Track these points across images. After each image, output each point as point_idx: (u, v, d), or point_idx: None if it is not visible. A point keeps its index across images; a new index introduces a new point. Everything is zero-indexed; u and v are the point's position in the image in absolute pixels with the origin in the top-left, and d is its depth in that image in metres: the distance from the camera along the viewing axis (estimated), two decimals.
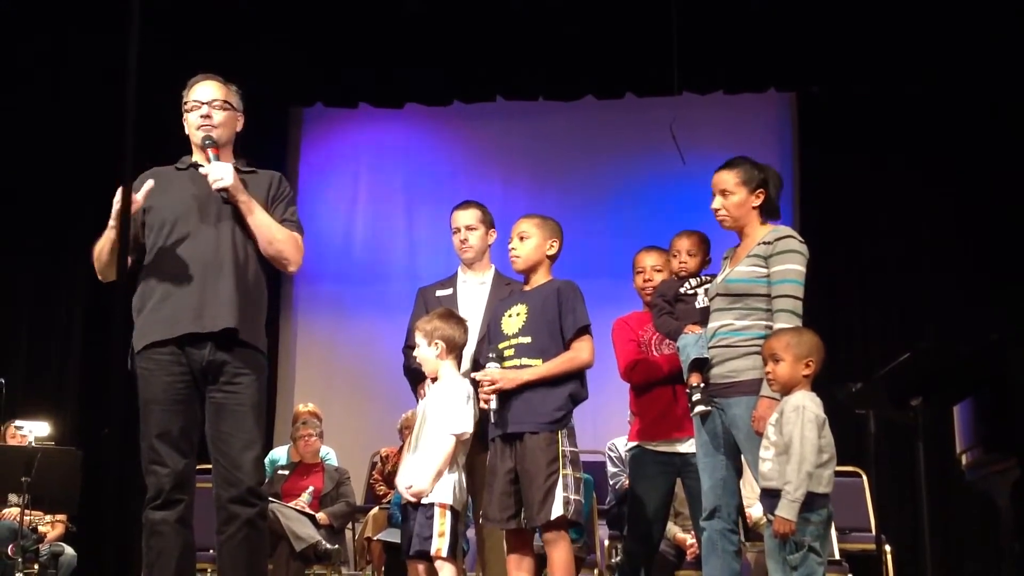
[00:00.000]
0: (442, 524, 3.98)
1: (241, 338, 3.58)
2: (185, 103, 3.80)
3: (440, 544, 3.96)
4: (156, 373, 3.56)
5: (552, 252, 4.11)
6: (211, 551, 4.87)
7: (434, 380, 4.22)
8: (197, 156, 3.81)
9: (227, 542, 3.55)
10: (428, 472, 4.03)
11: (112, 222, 3.51)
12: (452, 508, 4.01)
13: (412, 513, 4.09)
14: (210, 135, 3.70)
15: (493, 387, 3.91)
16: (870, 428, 5.12)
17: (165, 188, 3.69)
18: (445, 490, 4.03)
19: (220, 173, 3.59)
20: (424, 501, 4.02)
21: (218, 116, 3.74)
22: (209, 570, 5.81)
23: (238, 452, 3.56)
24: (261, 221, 3.66)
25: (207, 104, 3.74)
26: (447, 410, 4.07)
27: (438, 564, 3.98)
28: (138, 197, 3.51)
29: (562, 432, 3.91)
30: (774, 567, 3.59)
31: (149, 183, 3.57)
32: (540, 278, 4.12)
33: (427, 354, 4.16)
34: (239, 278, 3.61)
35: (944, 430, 4.49)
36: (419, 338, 4.17)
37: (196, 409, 3.61)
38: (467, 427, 4.05)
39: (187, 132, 3.82)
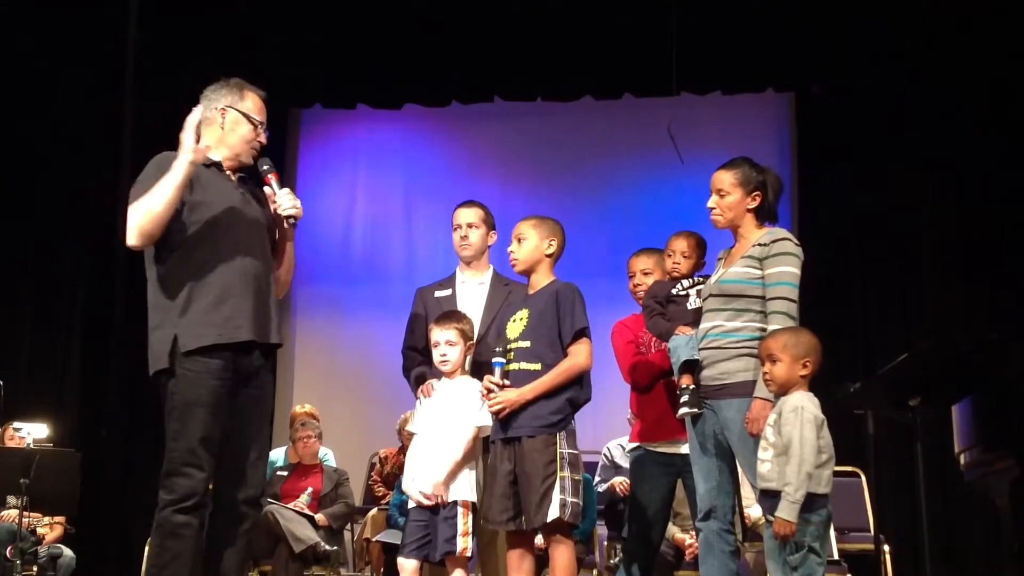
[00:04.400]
0: (465, 523, 4.00)
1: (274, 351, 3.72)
2: (244, 112, 3.74)
3: (465, 543, 3.96)
4: (204, 376, 3.48)
5: (551, 251, 4.11)
6: None
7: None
8: (218, 154, 3.74)
9: (232, 540, 3.54)
10: (447, 466, 4.03)
11: (182, 171, 3.47)
12: (473, 504, 4.03)
13: (422, 515, 4.07)
14: (269, 162, 3.79)
15: (499, 408, 3.94)
16: (869, 428, 5.13)
17: (205, 185, 3.63)
18: (467, 488, 4.04)
19: (296, 203, 3.71)
20: (449, 499, 4.02)
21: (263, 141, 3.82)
22: None
23: (256, 455, 3.63)
24: (291, 251, 3.81)
25: (264, 128, 3.79)
26: (468, 404, 4.09)
27: (451, 564, 3.97)
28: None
29: (560, 435, 3.92)
30: (774, 567, 3.59)
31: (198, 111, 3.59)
32: (542, 279, 4.12)
33: (459, 354, 4.18)
34: (273, 292, 3.72)
35: (943, 430, 4.49)
36: (455, 337, 4.15)
37: (228, 415, 3.58)
38: (488, 420, 4.06)
39: (223, 131, 3.73)
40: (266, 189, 3.78)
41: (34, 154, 8.00)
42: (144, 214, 3.43)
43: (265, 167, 3.77)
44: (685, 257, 4.23)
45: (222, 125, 3.72)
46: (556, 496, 3.83)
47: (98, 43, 7.15)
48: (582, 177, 8.43)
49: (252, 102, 3.76)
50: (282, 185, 3.78)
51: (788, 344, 3.58)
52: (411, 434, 4.35)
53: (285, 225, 3.75)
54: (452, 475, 4.03)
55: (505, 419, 3.97)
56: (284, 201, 3.69)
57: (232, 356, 3.52)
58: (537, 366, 3.96)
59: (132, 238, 3.42)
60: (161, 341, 3.50)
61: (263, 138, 3.77)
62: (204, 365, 3.48)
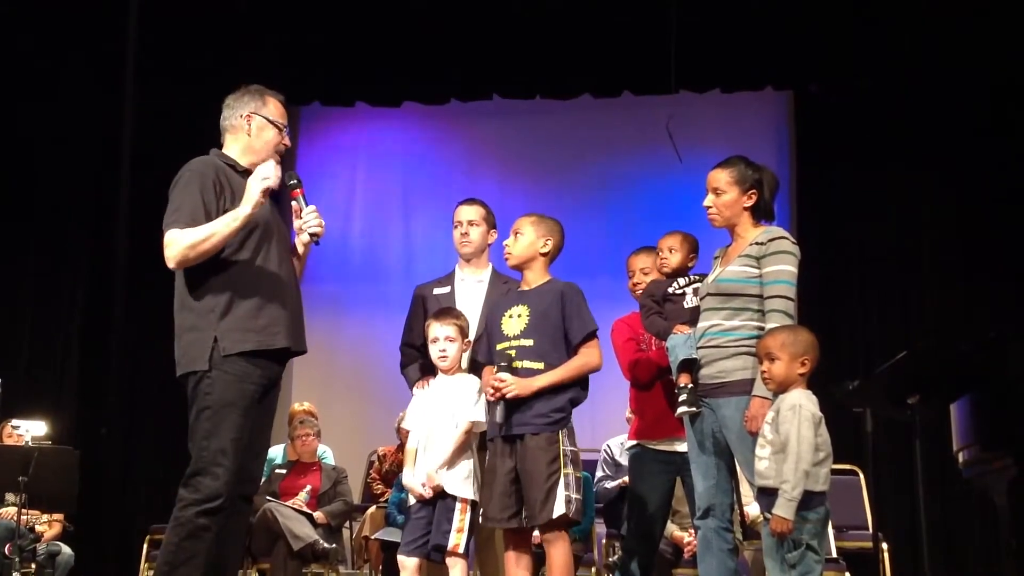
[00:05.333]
0: (461, 520, 4.02)
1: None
2: (268, 118, 3.75)
3: (458, 539, 3.99)
4: (243, 380, 3.52)
5: (546, 250, 4.10)
6: None
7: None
8: (246, 161, 3.74)
9: (230, 534, 3.58)
10: (441, 458, 4.06)
11: (239, 223, 3.48)
12: (472, 503, 4.05)
13: (424, 513, 4.09)
14: (297, 176, 3.79)
15: (501, 392, 3.91)
16: (867, 426, 5.13)
17: (239, 192, 3.61)
18: (467, 485, 4.06)
19: (321, 221, 3.78)
20: (452, 493, 4.04)
21: None
22: None
23: (259, 454, 3.70)
24: (301, 264, 3.88)
25: (287, 132, 3.81)
26: (465, 401, 4.11)
27: (450, 561, 4.00)
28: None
29: (562, 432, 3.92)
30: (772, 565, 3.59)
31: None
32: (537, 277, 4.11)
33: (457, 350, 4.20)
34: (300, 300, 3.78)
35: (942, 428, 4.49)
36: (454, 333, 4.17)
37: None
38: (483, 416, 4.08)
39: (250, 137, 3.73)
40: (292, 203, 3.82)
41: (34, 154, 8.00)
42: (189, 247, 3.46)
43: (292, 182, 3.78)
44: (672, 251, 4.24)
45: (248, 131, 3.75)
46: (561, 493, 3.83)
47: (98, 43, 7.16)
48: (581, 175, 8.44)
49: (274, 107, 3.80)
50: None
51: (786, 342, 3.59)
52: (407, 430, 4.34)
53: (306, 240, 3.81)
54: (445, 467, 4.05)
55: (507, 416, 3.95)
56: (311, 219, 3.76)
57: (266, 362, 3.58)
58: (540, 365, 3.95)
59: (172, 263, 3.51)
60: (198, 342, 3.52)
61: (287, 141, 3.81)
62: (243, 369, 3.52)
